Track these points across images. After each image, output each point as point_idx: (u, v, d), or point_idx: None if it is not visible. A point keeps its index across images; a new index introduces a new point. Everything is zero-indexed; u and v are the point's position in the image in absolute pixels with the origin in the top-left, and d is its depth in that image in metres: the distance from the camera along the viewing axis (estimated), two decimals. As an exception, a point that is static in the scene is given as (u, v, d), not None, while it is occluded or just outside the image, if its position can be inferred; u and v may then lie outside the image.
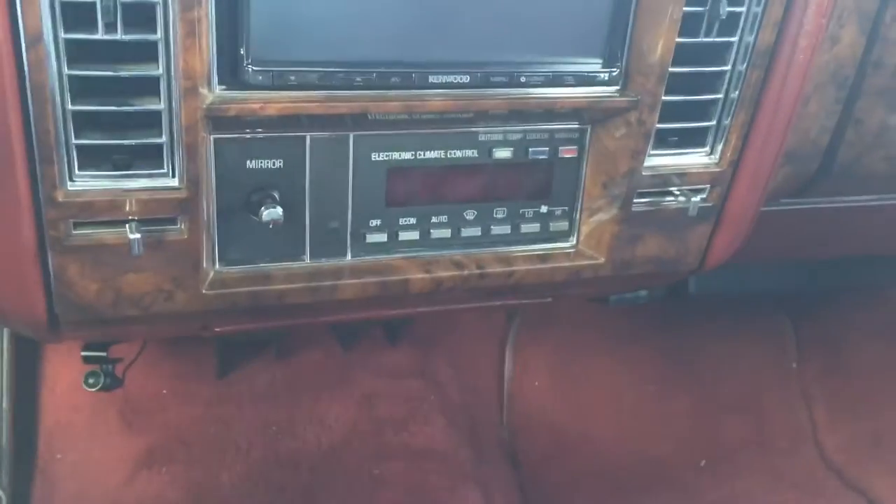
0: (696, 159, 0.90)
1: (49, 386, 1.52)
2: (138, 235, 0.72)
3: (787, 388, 1.87)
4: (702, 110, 0.88)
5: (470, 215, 0.88)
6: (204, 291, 0.80)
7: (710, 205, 0.92)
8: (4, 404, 1.38)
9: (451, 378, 1.60)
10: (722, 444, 1.76)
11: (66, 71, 0.68)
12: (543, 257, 0.90)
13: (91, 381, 1.14)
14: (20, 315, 0.77)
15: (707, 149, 0.90)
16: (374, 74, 0.76)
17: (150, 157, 0.73)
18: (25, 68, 0.67)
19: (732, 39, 0.85)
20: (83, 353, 1.15)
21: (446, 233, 0.88)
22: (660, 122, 0.85)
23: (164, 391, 1.45)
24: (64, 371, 1.48)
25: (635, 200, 0.89)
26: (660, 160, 0.88)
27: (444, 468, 1.39)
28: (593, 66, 0.83)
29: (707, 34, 0.83)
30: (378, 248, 0.86)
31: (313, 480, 1.34)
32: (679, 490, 1.66)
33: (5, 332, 1.30)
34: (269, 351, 1.52)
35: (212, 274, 0.80)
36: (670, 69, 0.83)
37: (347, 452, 1.38)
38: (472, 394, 1.65)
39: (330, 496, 1.32)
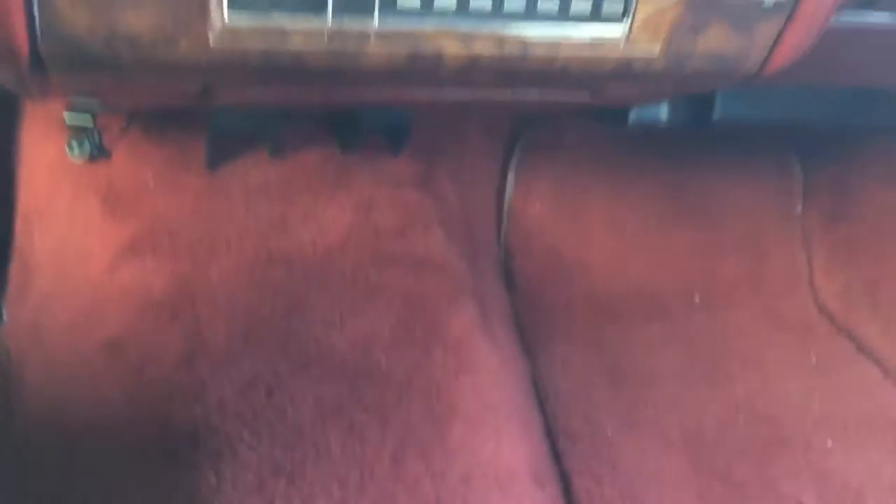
0: (777, -59, 0.79)
1: (27, 166, 1.42)
2: None
3: (788, 232, 1.83)
4: None
5: None
6: (212, 45, 0.69)
7: None
8: (-22, 182, 1.29)
9: (452, 192, 1.53)
10: (718, 282, 1.73)
11: None
12: (593, 43, 0.80)
13: (74, 144, 1.04)
14: (1, 51, 0.67)
15: (792, -71, 0.78)
16: None
17: None
18: None
19: None
20: (67, 118, 1.04)
21: (487, 4, 0.77)
22: None
23: (151, 179, 1.37)
24: (43, 152, 1.38)
25: (703, -17, 0.78)
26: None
27: (443, 279, 1.34)
28: None
29: None
30: (410, 14, 0.75)
31: (307, 281, 1.28)
32: (672, 322, 1.64)
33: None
34: (263, 148, 1.43)
35: (221, 25, 0.70)
36: None
37: (343, 256, 1.32)
38: (471, 210, 1.59)
39: (323, 298, 1.27)
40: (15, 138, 1.40)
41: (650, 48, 0.81)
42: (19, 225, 1.41)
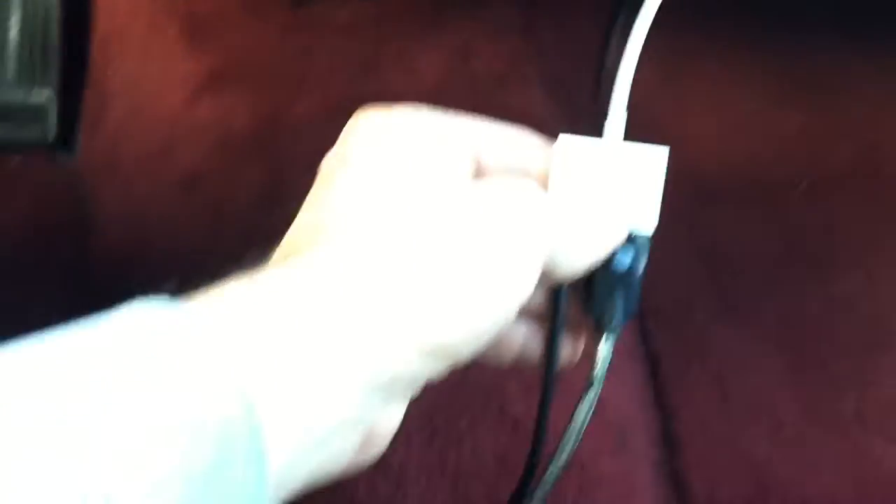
0: None
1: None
2: None
3: (912, 119, 1.67)
4: None
5: None
6: None
7: None
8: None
9: (554, 44, 1.40)
10: (828, 170, 1.60)
11: None
12: None
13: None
14: None
15: None
16: None
17: None
18: None
19: None
20: None
21: None
22: None
23: (235, 10, 1.28)
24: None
25: None
26: None
27: (540, 133, 1.24)
28: None
29: None
30: None
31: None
32: (772, 208, 1.53)
33: None
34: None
35: None
36: None
37: (439, 103, 1.22)
38: (572, 69, 1.46)
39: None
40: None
41: None
42: (96, 48, 1.34)
